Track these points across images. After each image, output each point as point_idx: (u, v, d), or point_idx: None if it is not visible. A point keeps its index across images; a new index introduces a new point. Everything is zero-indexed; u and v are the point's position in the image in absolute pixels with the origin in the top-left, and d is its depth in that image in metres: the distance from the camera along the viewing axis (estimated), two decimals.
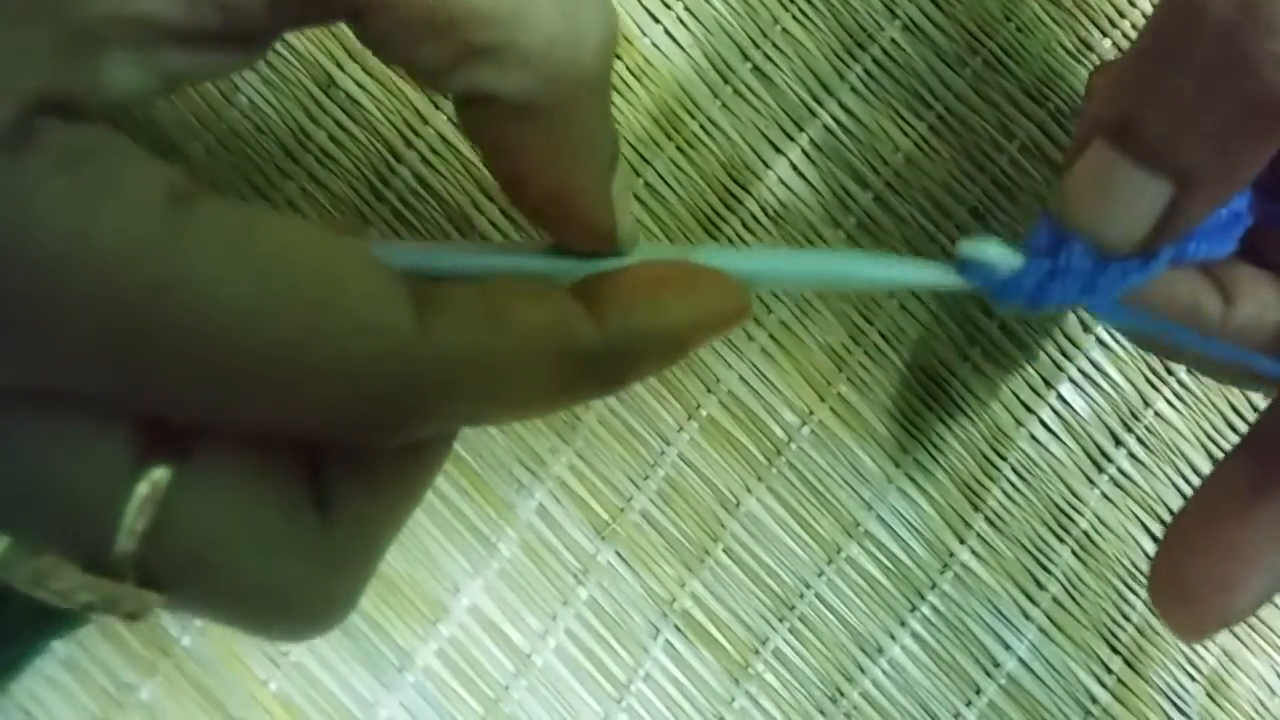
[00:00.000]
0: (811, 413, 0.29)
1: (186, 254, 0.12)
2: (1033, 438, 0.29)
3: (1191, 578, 0.18)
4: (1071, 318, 0.29)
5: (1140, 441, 0.30)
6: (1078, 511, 0.29)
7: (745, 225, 0.29)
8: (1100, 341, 0.30)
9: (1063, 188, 0.18)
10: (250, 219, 0.13)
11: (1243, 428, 0.29)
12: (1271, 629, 0.29)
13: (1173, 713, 0.29)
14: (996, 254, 0.18)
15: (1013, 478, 0.29)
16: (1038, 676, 0.29)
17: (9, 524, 0.13)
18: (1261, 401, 0.29)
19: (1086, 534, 0.29)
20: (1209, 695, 0.29)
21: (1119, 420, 0.29)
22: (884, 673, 0.28)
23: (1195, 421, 0.30)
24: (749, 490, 0.29)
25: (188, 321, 0.12)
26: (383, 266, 0.14)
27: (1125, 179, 0.16)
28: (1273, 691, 0.29)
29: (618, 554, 0.28)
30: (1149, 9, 0.31)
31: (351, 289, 0.13)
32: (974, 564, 0.29)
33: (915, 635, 0.29)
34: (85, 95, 0.13)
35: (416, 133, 0.28)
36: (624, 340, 0.16)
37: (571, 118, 0.15)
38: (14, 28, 0.12)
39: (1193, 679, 0.29)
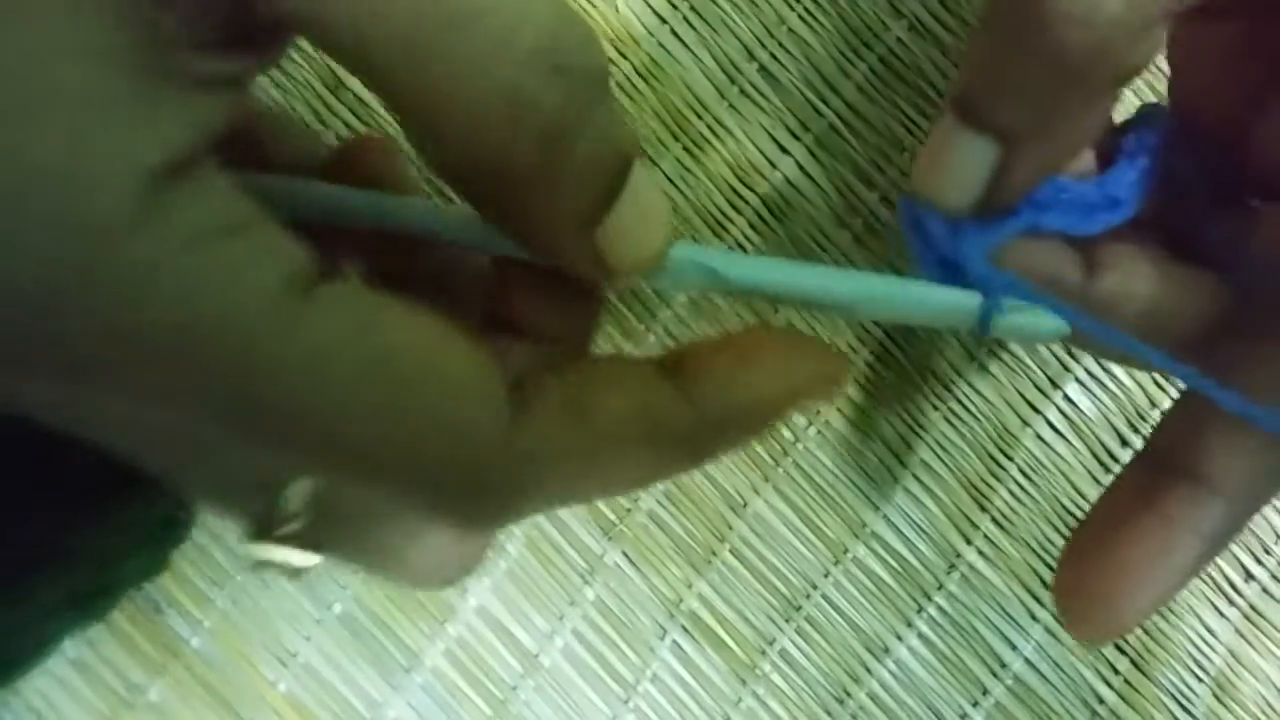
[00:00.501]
0: (818, 413, 0.29)
1: (295, 350, 0.13)
2: (1039, 438, 0.29)
3: (1084, 589, 0.19)
4: None
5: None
6: (1084, 512, 0.29)
7: (751, 225, 0.29)
8: None
9: (914, 168, 0.19)
10: (361, 319, 0.14)
11: None
12: (1278, 629, 0.29)
13: (1179, 713, 0.29)
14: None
15: (1019, 478, 0.29)
16: (1044, 677, 0.29)
17: None
18: None
19: None
20: (1215, 696, 0.29)
21: (1125, 421, 0.29)
22: (891, 673, 0.28)
23: None
24: (756, 491, 0.29)
25: (288, 409, 0.13)
26: (484, 368, 0.15)
27: (955, 141, 0.17)
28: (1279, 692, 0.29)
29: (624, 554, 0.28)
30: None
31: (451, 397, 0.14)
32: (980, 564, 0.29)
33: (922, 636, 0.29)
34: (195, 148, 0.13)
35: None
36: (719, 420, 0.16)
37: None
38: (126, 108, 0.12)
39: (1199, 680, 0.29)
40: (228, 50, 0.13)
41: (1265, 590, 0.29)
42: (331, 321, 0.13)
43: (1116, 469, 0.29)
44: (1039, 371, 0.29)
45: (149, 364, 0.12)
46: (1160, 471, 0.19)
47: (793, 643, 0.28)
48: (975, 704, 0.28)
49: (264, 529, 0.16)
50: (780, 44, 0.29)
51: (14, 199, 0.11)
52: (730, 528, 0.29)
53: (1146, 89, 0.29)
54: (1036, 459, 0.29)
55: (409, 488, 0.15)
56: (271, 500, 0.16)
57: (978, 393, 0.29)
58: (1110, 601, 0.18)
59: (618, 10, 0.29)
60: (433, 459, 0.14)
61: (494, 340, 0.17)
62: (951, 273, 0.19)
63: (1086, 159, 0.21)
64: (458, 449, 0.14)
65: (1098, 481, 0.29)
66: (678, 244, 0.17)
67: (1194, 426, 0.18)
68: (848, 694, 0.28)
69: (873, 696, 0.28)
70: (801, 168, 0.29)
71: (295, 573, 0.17)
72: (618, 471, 0.16)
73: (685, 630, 0.28)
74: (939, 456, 0.29)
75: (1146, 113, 0.22)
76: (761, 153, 0.29)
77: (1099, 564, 0.19)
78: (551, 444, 0.15)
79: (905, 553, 0.29)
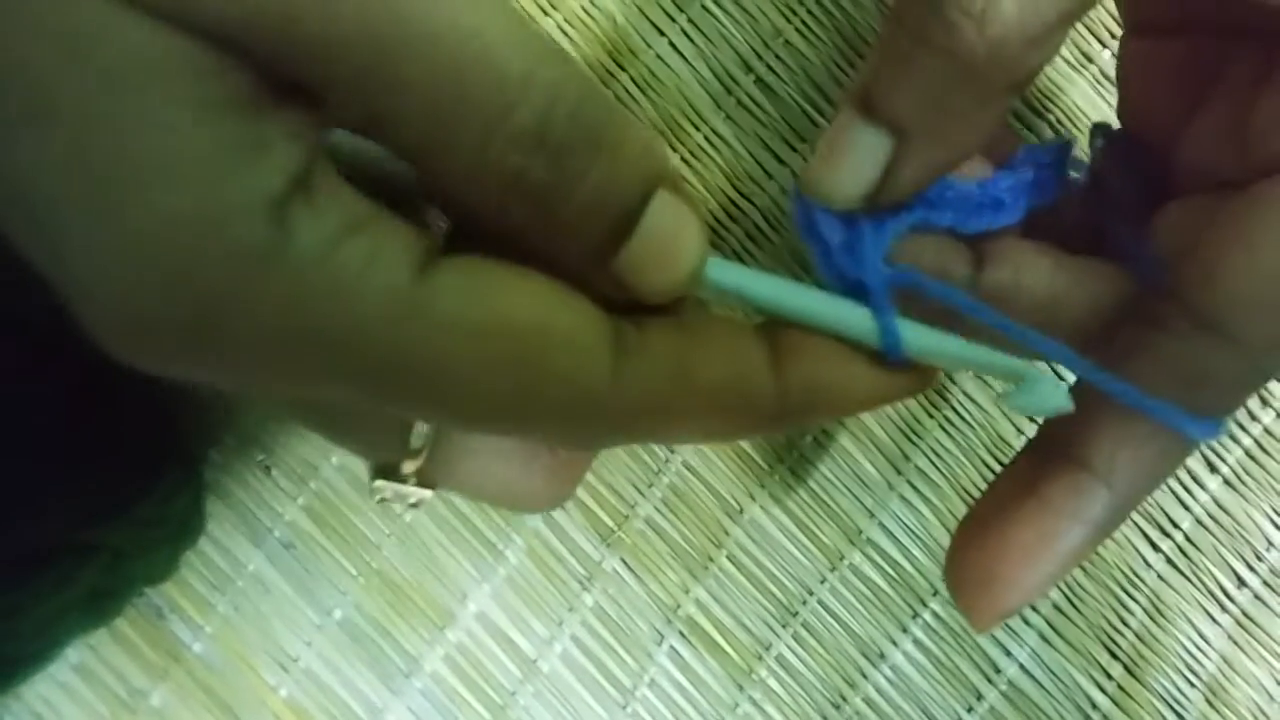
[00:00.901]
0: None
1: (425, 328, 0.15)
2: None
3: (970, 572, 0.19)
4: None
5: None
6: None
7: (749, 235, 0.29)
8: None
9: (808, 161, 0.19)
10: (477, 288, 0.15)
11: (1243, 438, 0.30)
12: (1270, 635, 0.29)
13: (1172, 718, 0.29)
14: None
15: None
16: (1038, 682, 0.29)
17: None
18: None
19: None
20: (1208, 701, 0.29)
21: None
22: (886, 679, 0.29)
23: None
24: (752, 498, 0.29)
25: (424, 379, 0.15)
26: (592, 318, 0.16)
27: (850, 133, 0.18)
28: (1271, 698, 0.29)
29: (623, 561, 0.29)
30: None
31: (560, 348, 0.15)
32: None
33: (917, 641, 0.29)
34: (306, 163, 0.14)
35: None
36: (800, 404, 0.17)
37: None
38: (264, 120, 0.14)
39: (1192, 685, 0.29)
40: (295, 103, 0.15)
41: (1257, 596, 0.29)
42: (452, 296, 0.15)
43: None
44: None
45: (303, 358, 0.14)
46: (1046, 458, 0.19)
47: (789, 648, 0.29)
48: (970, 709, 0.29)
49: (388, 468, 0.19)
50: (776, 56, 0.30)
51: (160, 240, 0.13)
52: (727, 534, 0.29)
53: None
54: None
55: (524, 431, 0.17)
56: (397, 443, 0.19)
57: (973, 401, 0.29)
58: (994, 585, 0.19)
59: (616, 23, 0.30)
60: (546, 408, 0.16)
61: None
62: (847, 277, 0.19)
63: (982, 166, 0.21)
64: (569, 399, 0.16)
65: None
66: (711, 263, 0.17)
67: (1081, 414, 0.18)
68: (844, 699, 0.29)
69: (869, 702, 0.29)
70: (798, 178, 0.30)
71: (414, 505, 0.21)
72: (699, 427, 0.17)
73: (683, 636, 0.29)
74: (934, 464, 0.29)
75: (1095, 129, 0.23)
76: (758, 163, 0.30)
77: (985, 548, 0.19)
78: (647, 397, 0.16)
79: (901, 559, 0.29)
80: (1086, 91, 0.30)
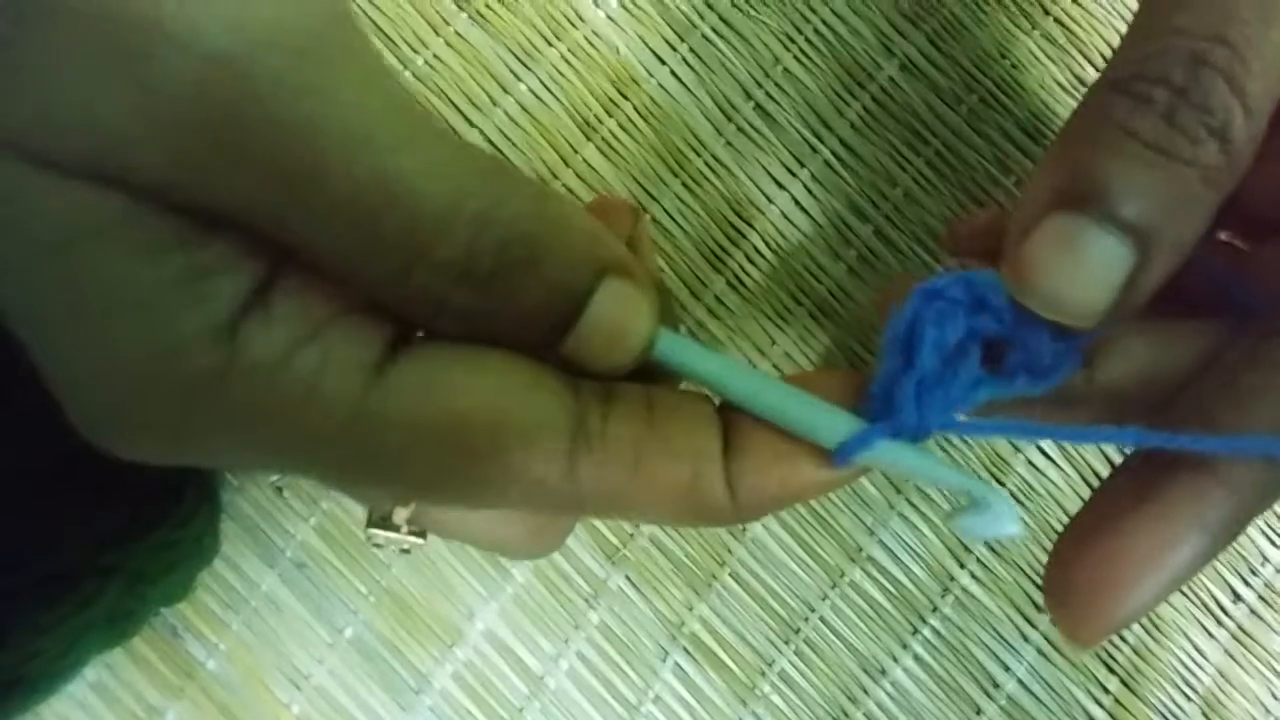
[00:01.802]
0: None
1: (379, 430, 0.15)
2: (1030, 463, 0.30)
3: (1077, 585, 0.18)
4: None
5: None
6: None
7: (749, 259, 0.30)
8: None
9: (1020, 260, 0.17)
10: (431, 385, 0.16)
11: None
12: (1267, 649, 0.30)
13: None
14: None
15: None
16: (1036, 697, 0.29)
17: None
18: None
19: None
20: (1204, 715, 0.29)
21: (1115, 446, 0.30)
22: (887, 694, 0.29)
23: None
24: None
25: (378, 474, 0.16)
26: (551, 410, 0.16)
27: (1093, 242, 0.16)
28: (1267, 711, 0.30)
29: (628, 578, 0.29)
30: None
31: (514, 444, 0.16)
32: (974, 588, 0.29)
33: (917, 657, 0.29)
34: (254, 286, 0.16)
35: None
36: (752, 509, 0.17)
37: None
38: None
39: (1188, 699, 0.30)
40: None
41: (1253, 611, 0.30)
42: (406, 397, 0.16)
43: None
44: None
45: (266, 457, 0.16)
46: (1162, 463, 0.18)
47: (791, 664, 0.29)
48: None
49: (382, 517, 0.21)
50: (776, 84, 0.30)
51: (121, 369, 0.15)
52: (730, 552, 0.29)
53: None
54: (1028, 484, 0.30)
55: (487, 508, 0.18)
56: (387, 495, 0.20)
57: None
58: (1107, 597, 0.17)
59: (619, 52, 0.30)
60: (504, 495, 0.16)
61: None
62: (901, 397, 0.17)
63: None
64: (525, 489, 0.16)
65: None
66: (663, 338, 0.17)
67: (1199, 416, 0.18)
68: (845, 714, 0.29)
69: (869, 717, 0.29)
70: (797, 203, 0.30)
71: (407, 550, 0.22)
72: (645, 514, 0.17)
73: (687, 652, 0.29)
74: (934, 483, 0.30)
75: None
76: (758, 188, 0.30)
77: (1096, 558, 0.18)
78: (603, 490, 0.17)
79: (901, 576, 0.29)
80: None
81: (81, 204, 0.14)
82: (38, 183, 0.14)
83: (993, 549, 0.30)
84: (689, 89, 0.30)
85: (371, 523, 0.21)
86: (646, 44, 0.30)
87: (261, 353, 0.15)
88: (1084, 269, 0.16)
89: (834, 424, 0.17)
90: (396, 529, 0.21)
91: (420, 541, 0.22)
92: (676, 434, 0.17)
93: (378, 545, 0.22)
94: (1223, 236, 0.23)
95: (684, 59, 0.30)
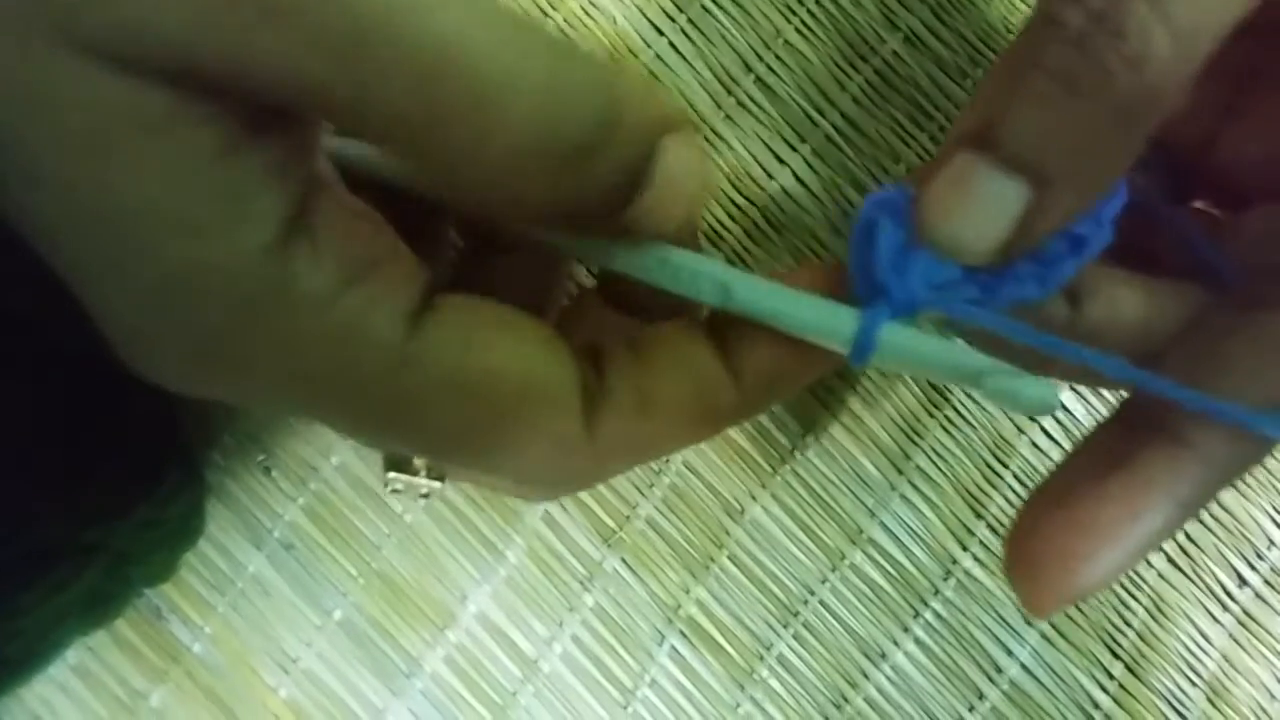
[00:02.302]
0: (815, 420, 0.29)
1: (413, 381, 0.15)
2: (1034, 445, 0.30)
3: (1042, 548, 0.18)
4: None
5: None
6: None
7: (748, 234, 0.29)
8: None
9: (921, 200, 0.17)
10: (462, 340, 0.16)
11: None
12: (1271, 634, 0.29)
13: (1173, 717, 0.29)
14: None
15: (1015, 485, 0.29)
16: (1040, 682, 0.29)
17: None
18: None
19: None
20: (1209, 700, 0.29)
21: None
22: (888, 678, 0.29)
23: None
24: (754, 498, 0.29)
25: (410, 423, 0.16)
26: (567, 368, 0.17)
27: (979, 181, 0.16)
28: (1273, 696, 0.29)
29: (624, 561, 0.29)
30: None
31: (537, 406, 0.16)
32: (976, 570, 0.29)
33: (919, 641, 0.29)
34: (298, 202, 0.15)
35: None
36: (760, 396, 0.18)
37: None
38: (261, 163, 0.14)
39: (1193, 684, 0.29)
40: (276, 138, 0.15)
41: (1258, 595, 0.29)
42: (441, 351, 0.16)
43: None
44: None
45: (299, 393, 0.15)
46: (1136, 431, 0.18)
47: (790, 648, 0.29)
48: (971, 709, 0.29)
49: (400, 461, 0.21)
50: (777, 56, 0.30)
51: (166, 287, 0.14)
52: (728, 534, 0.29)
53: None
54: (1032, 466, 0.30)
55: (505, 473, 0.17)
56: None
57: (974, 401, 0.29)
58: (1071, 564, 0.17)
59: (615, 23, 0.30)
60: (526, 458, 0.17)
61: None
62: (874, 287, 0.17)
63: None
64: (542, 443, 0.16)
65: None
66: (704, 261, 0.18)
67: (1177, 379, 0.17)
68: (845, 699, 0.29)
69: (870, 702, 0.29)
70: (798, 178, 0.30)
71: (424, 494, 0.22)
72: (673, 443, 0.18)
73: (684, 636, 0.28)
74: (935, 464, 0.29)
75: None
76: (758, 163, 0.30)
77: (1062, 525, 0.17)
78: (621, 437, 0.17)
79: (902, 559, 0.29)
80: None
81: (122, 98, 0.13)
82: (73, 71, 0.13)
83: (996, 532, 0.29)
84: (687, 61, 0.30)
85: (389, 466, 0.21)
86: (644, 14, 0.30)
87: (312, 284, 0.15)
88: (975, 209, 0.16)
89: (836, 318, 0.17)
90: (415, 472, 0.21)
91: (438, 485, 0.22)
92: (669, 355, 0.17)
93: (396, 490, 0.21)
94: (1207, 208, 0.22)
95: (682, 30, 0.30)
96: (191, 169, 0.14)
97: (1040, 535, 0.18)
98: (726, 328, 0.18)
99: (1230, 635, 0.29)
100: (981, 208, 0.16)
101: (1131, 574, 0.29)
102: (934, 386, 0.29)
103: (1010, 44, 0.17)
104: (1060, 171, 0.16)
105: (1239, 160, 0.21)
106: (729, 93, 0.30)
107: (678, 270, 0.18)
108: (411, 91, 0.14)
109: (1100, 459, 0.18)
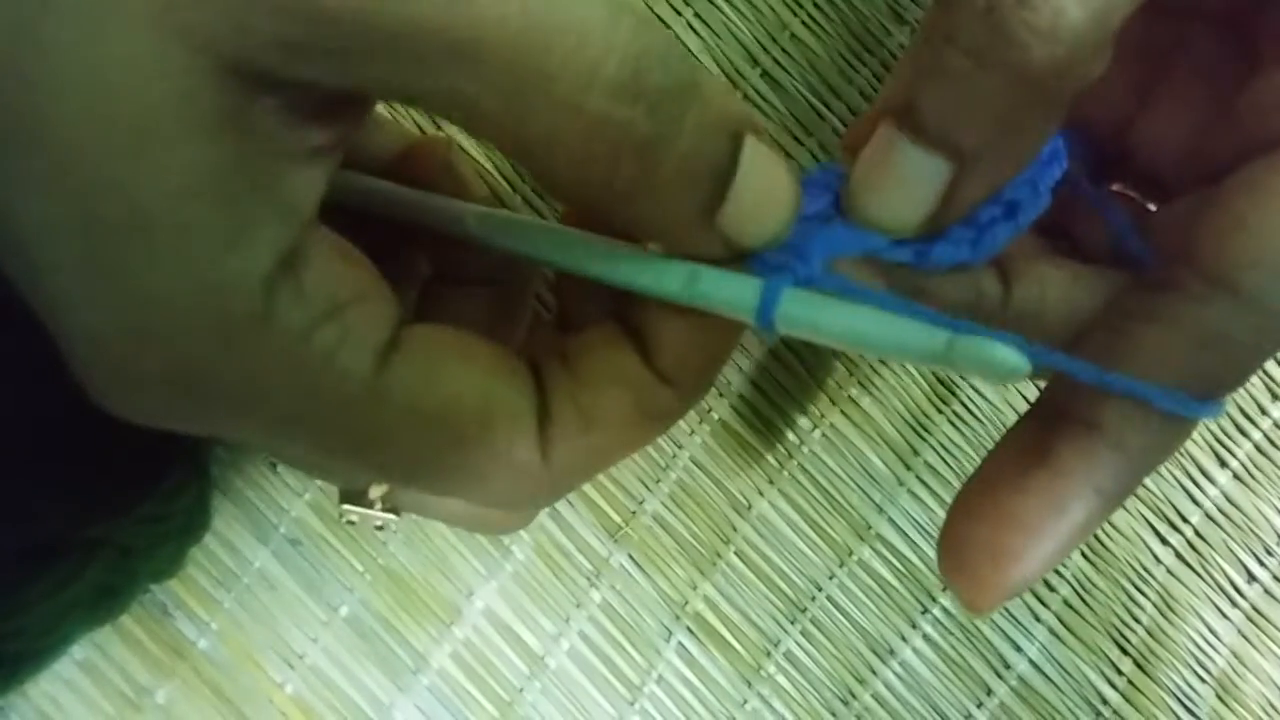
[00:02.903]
0: (823, 416, 0.29)
1: (379, 412, 0.16)
2: None
3: (972, 547, 0.17)
4: None
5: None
6: None
7: None
8: None
9: (851, 176, 0.17)
10: (427, 374, 0.16)
11: (1253, 432, 0.30)
12: None
13: (1182, 714, 0.29)
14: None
15: None
16: (1048, 678, 0.29)
17: None
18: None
19: (1095, 536, 0.29)
20: (1219, 697, 0.29)
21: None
22: (895, 674, 0.29)
23: (1202, 424, 0.30)
24: (760, 493, 0.29)
25: (371, 455, 0.16)
26: (524, 392, 0.17)
27: (901, 158, 0.16)
28: None
29: (630, 557, 0.28)
30: None
31: (499, 437, 0.16)
32: None
33: (926, 637, 0.29)
34: (299, 236, 0.15)
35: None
36: (693, 390, 0.18)
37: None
38: (240, 204, 0.14)
39: (1203, 680, 0.29)
40: (320, 123, 0.15)
41: (1268, 591, 0.29)
42: (407, 383, 0.16)
43: None
44: None
45: (266, 423, 0.15)
46: (1054, 423, 0.18)
47: (798, 644, 0.29)
48: (980, 704, 0.29)
49: (356, 494, 0.21)
50: (783, 49, 0.30)
51: (156, 305, 0.14)
52: (735, 530, 0.29)
53: None
54: None
55: (470, 498, 0.18)
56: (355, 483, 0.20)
57: (981, 395, 0.29)
58: (999, 560, 0.17)
59: None
60: (487, 483, 0.17)
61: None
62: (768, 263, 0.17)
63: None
64: (501, 473, 0.17)
65: None
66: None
67: (1090, 360, 0.17)
68: (853, 695, 0.28)
69: (878, 698, 0.28)
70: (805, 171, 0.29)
71: (380, 527, 0.23)
72: (624, 451, 0.18)
73: (691, 632, 0.28)
74: (943, 459, 0.29)
75: None
76: None
77: (989, 520, 0.17)
78: (574, 455, 0.17)
79: (910, 555, 0.29)
80: None
81: (189, 93, 0.13)
82: (155, 55, 0.13)
83: None
84: (693, 54, 0.29)
85: (344, 499, 0.22)
86: (651, 7, 0.29)
87: (291, 319, 0.15)
88: (897, 185, 0.17)
89: (739, 288, 0.16)
90: (370, 505, 0.21)
91: (393, 518, 0.22)
92: (596, 371, 0.17)
93: (350, 521, 0.22)
94: (1126, 191, 0.22)
95: (689, 24, 0.30)
96: (222, 180, 0.14)
97: (969, 534, 0.18)
98: (642, 327, 0.18)
99: (1239, 631, 0.29)
100: (903, 184, 0.17)
101: (1140, 570, 0.29)
102: (940, 381, 0.29)
103: (929, 11, 0.17)
104: (978, 147, 0.16)
105: (1154, 144, 0.21)
106: (735, 86, 0.29)
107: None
108: (514, 41, 0.13)
109: (1021, 453, 0.18)
